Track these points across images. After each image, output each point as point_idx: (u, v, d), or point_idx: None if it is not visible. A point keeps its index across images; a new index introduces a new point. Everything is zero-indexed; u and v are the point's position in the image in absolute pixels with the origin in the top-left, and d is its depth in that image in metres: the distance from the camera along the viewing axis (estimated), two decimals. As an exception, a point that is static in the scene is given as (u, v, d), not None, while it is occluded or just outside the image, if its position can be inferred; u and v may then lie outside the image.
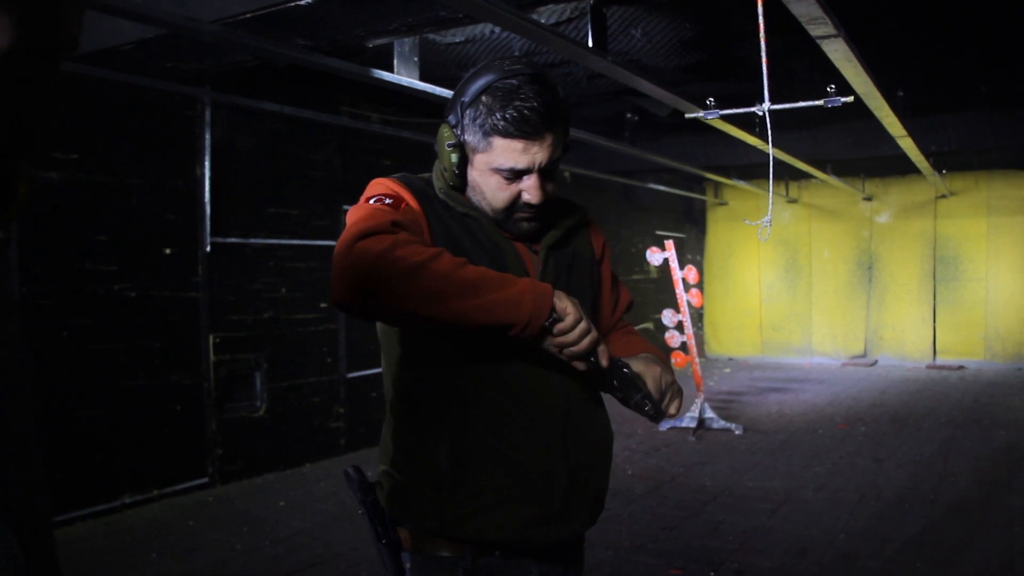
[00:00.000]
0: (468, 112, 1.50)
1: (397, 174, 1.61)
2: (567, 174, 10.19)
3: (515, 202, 1.54)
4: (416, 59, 5.03)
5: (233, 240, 5.98)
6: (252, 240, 6.11)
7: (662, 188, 11.52)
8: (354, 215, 1.46)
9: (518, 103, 1.46)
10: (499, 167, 1.50)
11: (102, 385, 5.17)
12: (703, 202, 13.56)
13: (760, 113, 3.44)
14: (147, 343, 5.44)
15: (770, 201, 3.31)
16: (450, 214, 1.58)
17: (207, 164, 5.80)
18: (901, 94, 6.34)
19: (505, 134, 1.47)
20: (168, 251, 5.59)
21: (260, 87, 6.05)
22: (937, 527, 4.83)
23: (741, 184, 11.21)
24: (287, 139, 6.44)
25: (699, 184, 12.91)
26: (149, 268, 5.47)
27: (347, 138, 6.90)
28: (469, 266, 1.39)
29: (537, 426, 1.56)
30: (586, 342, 1.40)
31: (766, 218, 3.04)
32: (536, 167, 1.51)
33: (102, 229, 5.19)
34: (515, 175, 1.51)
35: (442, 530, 1.55)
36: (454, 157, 1.54)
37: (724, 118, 4.92)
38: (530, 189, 1.52)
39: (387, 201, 1.49)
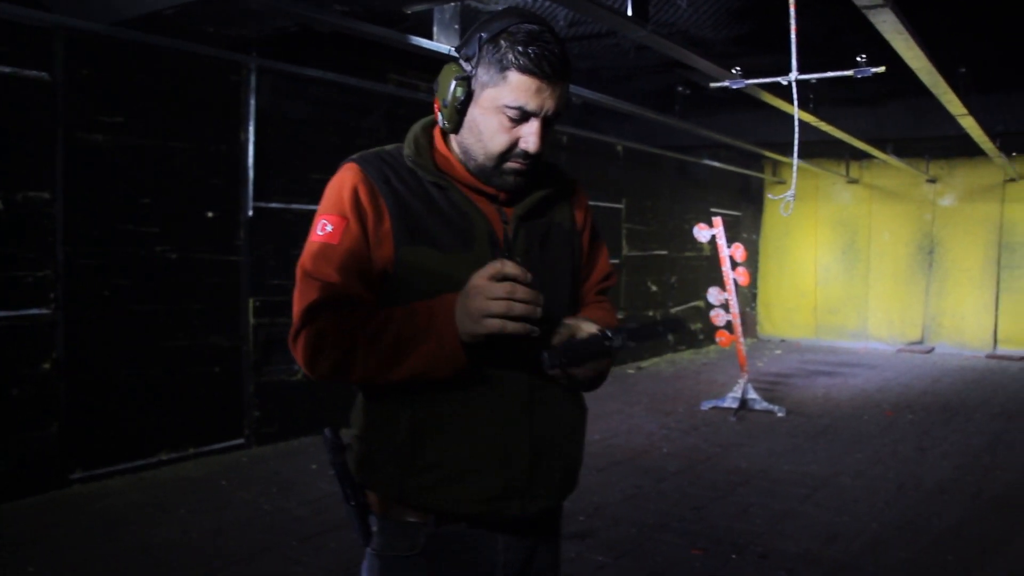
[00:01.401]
0: (487, 46, 1.49)
1: (357, 157, 1.60)
2: (620, 148, 10.07)
3: (511, 149, 1.52)
4: (457, 27, 4.99)
5: (275, 205, 6.03)
6: (294, 206, 6.14)
7: (717, 164, 11.31)
8: (303, 256, 1.55)
9: (541, 43, 1.46)
10: (508, 104, 1.48)
11: (142, 345, 5.27)
12: (760, 180, 13.28)
13: (785, 83, 3.32)
14: (187, 305, 5.53)
15: (794, 175, 3.22)
16: (415, 187, 1.56)
17: (251, 129, 5.85)
18: (963, 70, 6.08)
19: (524, 70, 1.46)
20: (210, 215, 5.66)
21: (307, 54, 6.06)
22: (976, 521, 4.68)
23: (800, 162, 10.92)
24: (333, 106, 6.46)
25: (757, 162, 12.63)
26: (191, 231, 5.55)
27: (394, 106, 6.89)
28: (384, 332, 1.46)
29: (500, 400, 1.53)
30: (520, 308, 1.37)
31: (789, 192, 2.94)
32: (543, 113, 1.49)
33: (145, 191, 5.27)
34: (521, 117, 1.49)
35: (404, 499, 1.55)
36: (459, 91, 1.51)
37: (771, 91, 4.78)
38: (530, 136, 1.50)
39: (329, 229, 1.52)
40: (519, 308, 1.36)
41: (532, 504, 1.58)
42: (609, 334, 1.45)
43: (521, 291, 1.36)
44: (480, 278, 1.38)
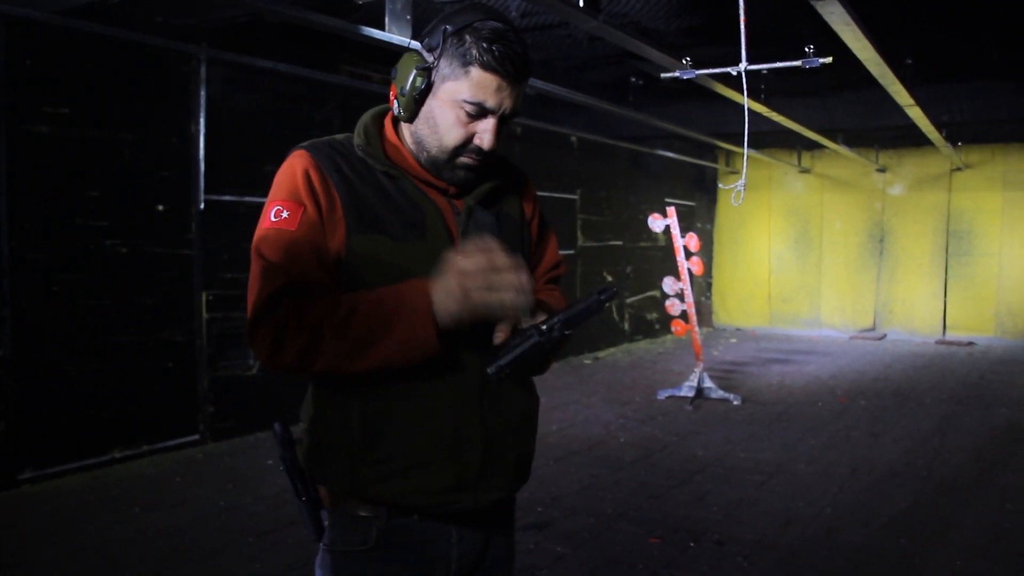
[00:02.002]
0: (452, 39, 1.48)
1: (307, 144, 1.57)
2: (574, 138, 10.09)
3: (465, 144, 1.52)
4: (409, 17, 4.93)
5: (228, 198, 5.95)
6: (247, 198, 6.06)
7: (671, 155, 11.38)
8: (257, 243, 1.49)
9: (506, 43, 1.46)
10: (467, 99, 1.47)
11: (93, 340, 5.17)
12: (714, 170, 13.40)
13: (735, 73, 3.36)
14: (139, 300, 5.44)
15: (744, 164, 3.25)
16: (365, 176, 1.54)
17: (202, 121, 5.76)
18: (909, 62, 6.18)
19: (486, 67, 1.45)
20: (161, 208, 5.57)
21: (259, 45, 5.97)
22: (927, 503, 4.78)
23: (752, 152, 11.06)
24: (285, 97, 6.38)
25: (710, 152, 12.75)
26: (141, 224, 5.45)
27: (347, 97, 6.84)
28: (351, 321, 1.41)
29: (451, 392, 1.53)
30: (510, 297, 1.38)
31: (740, 182, 2.98)
32: (500, 111, 1.50)
33: (93, 184, 5.16)
34: (478, 113, 1.49)
35: (355, 492, 1.53)
36: (419, 81, 1.50)
37: (722, 82, 4.82)
38: (486, 133, 1.50)
39: (285, 215, 1.49)
40: (509, 296, 1.38)
41: (485, 496, 1.57)
42: (544, 328, 1.43)
43: (510, 278, 1.37)
44: (467, 261, 1.37)
